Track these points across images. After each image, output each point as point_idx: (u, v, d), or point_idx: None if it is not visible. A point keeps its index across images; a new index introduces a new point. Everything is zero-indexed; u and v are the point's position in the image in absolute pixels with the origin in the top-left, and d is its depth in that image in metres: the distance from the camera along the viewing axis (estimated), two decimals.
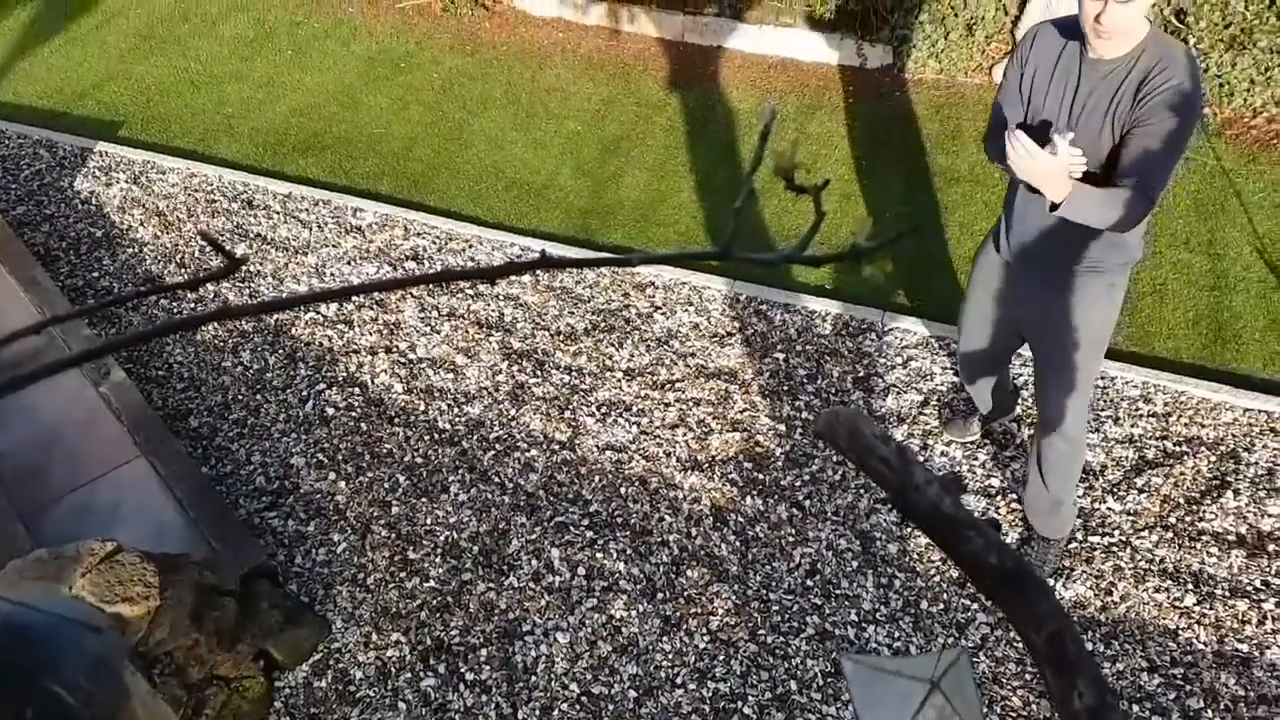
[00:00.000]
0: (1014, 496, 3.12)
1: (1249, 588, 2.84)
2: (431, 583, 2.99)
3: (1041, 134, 2.21)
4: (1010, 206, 2.49)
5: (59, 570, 2.22)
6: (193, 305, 3.94)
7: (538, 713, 2.68)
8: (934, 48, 4.94)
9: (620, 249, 4.22)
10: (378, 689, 2.76)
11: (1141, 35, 2.10)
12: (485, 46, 5.64)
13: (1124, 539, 2.98)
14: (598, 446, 3.34)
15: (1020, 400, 3.33)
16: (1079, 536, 2.99)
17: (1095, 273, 2.39)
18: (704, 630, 2.84)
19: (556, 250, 4.16)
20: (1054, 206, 2.14)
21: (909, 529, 3.06)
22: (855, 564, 2.97)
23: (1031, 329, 2.63)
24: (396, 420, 3.46)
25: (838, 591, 2.91)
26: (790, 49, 5.32)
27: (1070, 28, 2.20)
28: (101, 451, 3.13)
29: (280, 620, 2.73)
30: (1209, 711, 2.60)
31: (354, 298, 3.95)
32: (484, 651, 2.82)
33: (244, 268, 4.05)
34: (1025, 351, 2.93)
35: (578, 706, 2.69)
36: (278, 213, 4.41)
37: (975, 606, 2.87)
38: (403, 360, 3.68)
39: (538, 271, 4.04)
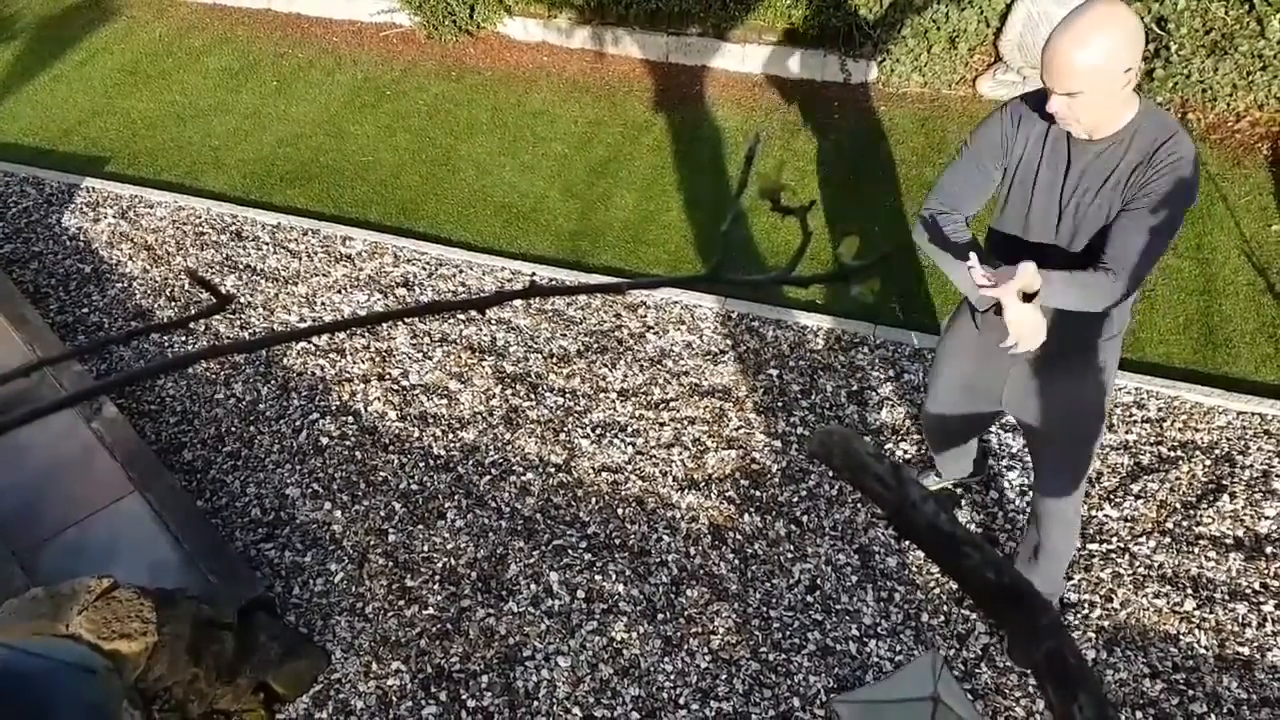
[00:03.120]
0: (1012, 509, 3.12)
1: (1248, 591, 2.84)
2: (430, 610, 2.97)
3: (1024, 224, 2.12)
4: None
5: (55, 609, 2.21)
6: (184, 340, 3.93)
7: None
8: (917, 61, 4.98)
9: (610, 270, 4.23)
10: (379, 719, 2.74)
11: (1123, 117, 1.94)
12: (470, 72, 5.67)
13: (1122, 545, 2.98)
14: (594, 468, 3.34)
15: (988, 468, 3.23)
16: (1077, 544, 2.99)
17: (1084, 350, 2.24)
18: (705, 649, 2.83)
19: (547, 273, 4.17)
20: (1029, 297, 1.97)
21: (907, 542, 3.05)
22: (855, 579, 2.97)
23: (1019, 410, 2.44)
24: (391, 448, 3.46)
25: (838, 607, 2.90)
26: (774, 66, 5.35)
27: None
28: (95, 488, 3.11)
29: (279, 652, 2.71)
30: (1212, 716, 2.59)
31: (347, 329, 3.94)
32: (485, 678, 2.80)
33: (235, 300, 4.06)
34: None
35: None
36: (267, 243, 4.41)
37: (975, 617, 2.86)
38: (396, 387, 3.67)
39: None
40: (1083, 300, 1.97)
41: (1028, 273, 1.88)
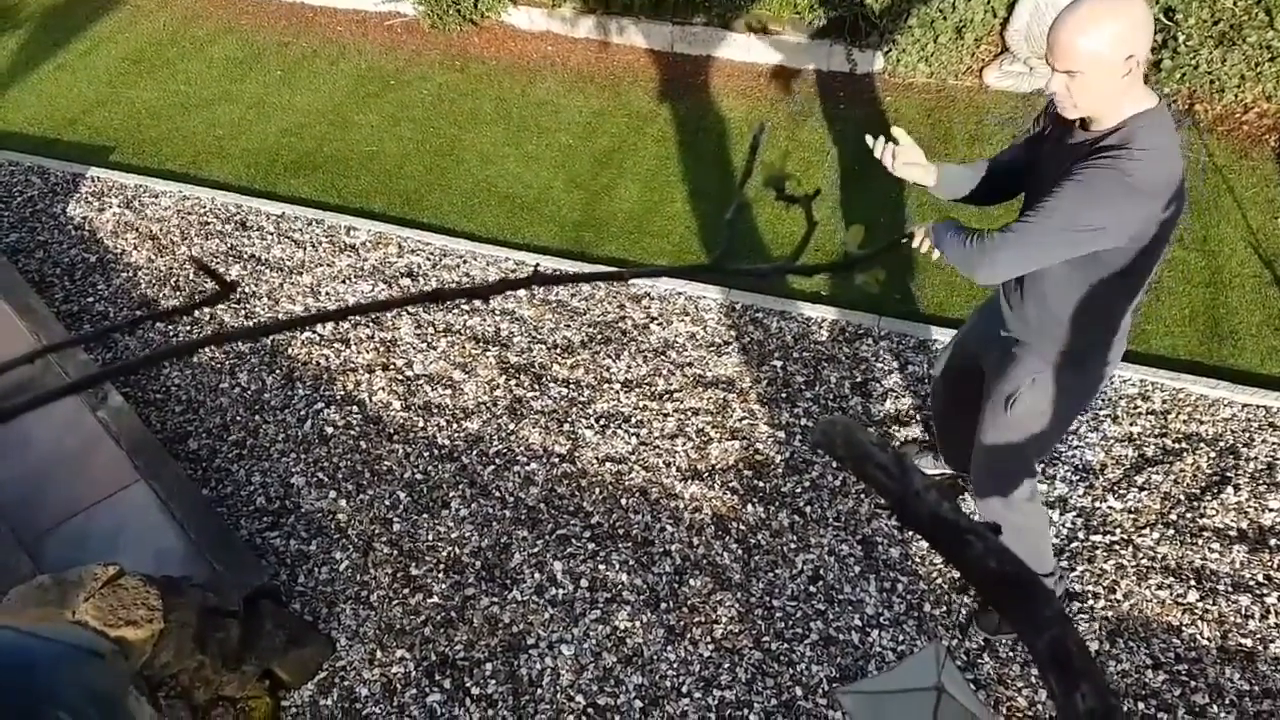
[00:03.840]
0: None
1: (1251, 583, 2.84)
2: (435, 598, 2.98)
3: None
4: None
5: (62, 596, 2.22)
6: (188, 329, 3.94)
7: None
8: (923, 51, 4.96)
9: (615, 261, 4.23)
10: (384, 706, 2.75)
11: (1122, 109, 1.90)
12: (474, 62, 5.66)
13: (1125, 537, 2.98)
14: (597, 458, 3.34)
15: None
16: (1080, 535, 2.99)
17: (1025, 348, 2.28)
18: (708, 639, 2.84)
19: (551, 263, 4.17)
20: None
21: (909, 532, 3.06)
22: (858, 569, 2.97)
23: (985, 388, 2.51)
24: (395, 437, 3.46)
25: (841, 597, 2.91)
26: (780, 56, 5.34)
27: None
28: (101, 476, 3.13)
29: (284, 640, 2.72)
30: (1214, 707, 2.60)
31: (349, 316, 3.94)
32: (489, 666, 2.81)
33: (239, 289, 4.06)
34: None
35: (584, 718, 2.69)
36: (271, 233, 4.41)
37: (977, 608, 2.86)
38: (400, 377, 3.68)
39: (532, 286, 4.05)
40: (953, 242, 2.10)
41: (912, 167, 2.19)
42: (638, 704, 2.71)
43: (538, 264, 4.14)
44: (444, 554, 3.10)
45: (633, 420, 3.45)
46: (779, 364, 3.61)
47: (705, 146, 4.86)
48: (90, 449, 3.21)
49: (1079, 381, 2.28)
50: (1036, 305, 2.18)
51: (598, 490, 3.25)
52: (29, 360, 0.66)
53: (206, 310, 3.99)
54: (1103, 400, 3.36)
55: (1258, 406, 3.29)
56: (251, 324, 3.89)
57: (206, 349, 3.80)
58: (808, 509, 3.13)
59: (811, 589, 2.93)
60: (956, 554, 0.80)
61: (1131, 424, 3.29)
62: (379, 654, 2.86)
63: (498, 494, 3.25)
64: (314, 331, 3.88)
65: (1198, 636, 2.75)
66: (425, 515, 3.21)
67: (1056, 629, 0.75)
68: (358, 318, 3.93)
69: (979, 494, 2.60)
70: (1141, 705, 2.62)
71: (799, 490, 3.19)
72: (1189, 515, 3.01)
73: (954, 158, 4.57)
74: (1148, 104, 1.91)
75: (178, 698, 2.40)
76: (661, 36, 5.53)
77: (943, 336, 3.62)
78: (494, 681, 2.78)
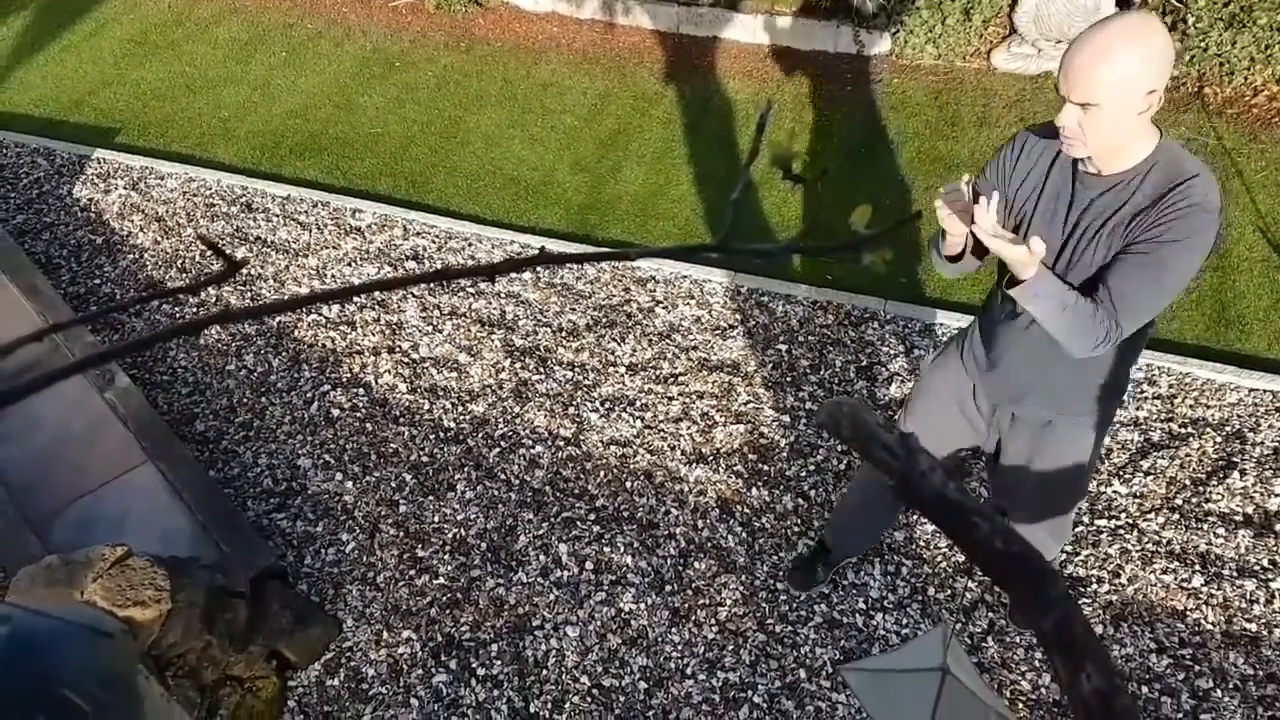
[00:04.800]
0: None
1: (1256, 567, 2.84)
2: (441, 580, 3.00)
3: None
4: (984, 328, 2.17)
5: (70, 576, 2.23)
6: (195, 310, 3.94)
7: (549, 706, 2.69)
8: (931, 33, 4.93)
9: (620, 243, 4.22)
10: (390, 686, 2.77)
11: (1142, 151, 1.77)
12: (480, 43, 5.63)
13: (1130, 521, 2.98)
14: (602, 441, 3.35)
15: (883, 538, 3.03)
16: (1085, 520, 2.99)
17: (1079, 415, 2.11)
18: (712, 621, 2.85)
19: (556, 246, 4.16)
20: (1013, 284, 1.82)
21: (914, 516, 3.06)
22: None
23: (998, 468, 2.34)
24: (401, 420, 3.47)
25: (845, 580, 2.91)
26: (786, 38, 5.30)
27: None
28: (109, 458, 3.14)
29: (291, 620, 2.74)
30: (1218, 691, 2.60)
31: (355, 299, 3.95)
32: (495, 646, 2.83)
33: (245, 271, 4.06)
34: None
35: (589, 699, 2.70)
36: (277, 215, 4.41)
37: (980, 588, 2.87)
38: (406, 360, 3.68)
39: (538, 268, 4.03)
40: (1064, 323, 1.80)
41: (1037, 253, 1.72)
42: (642, 685, 2.72)
43: (543, 245, 4.13)
44: (450, 536, 3.11)
45: (638, 404, 3.46)
46: (784, 347, 3.61)
47: (711, 129, 4.84)
48: (97, 430, 3.23)
49: (1115, 412, 2.19)
50: (1074, 367, 1.97)
51: (603, 473, 3.25)
52: (37, 338, 0.66)
53: (213, 292, 4.00)
54: None
55: (1265, 391, 3.28)
56: (258, 304, 3.90)
57: (213, 330, 3.81)
58: (812, 493, 3.14)
59: None
60: (962, 535, 0.80)
61: (1137, 408, 3.28)
62: (385, 635, 2.88)
63: (503, 476, 3.26)
64: (320, 314, 3.89)
65: (1202, 621, 2.75)
66: (431, 497, 3.22)
67: (1062, 610, 0.75)
68: (363, 300, 3.93)
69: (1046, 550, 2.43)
70: (1145, 689, 2.63)
71: (803, 474, 3.20)
72: (1194, 500, 3.01)
73: (961, 151, 4.54)
74: (1157, 136, 1.79)
75: (185, 677, 2.42)
76: (667, 18, 5.50)
77: (949, 321, 3.61)
78: (499, 662, 2.80)
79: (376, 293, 3.94)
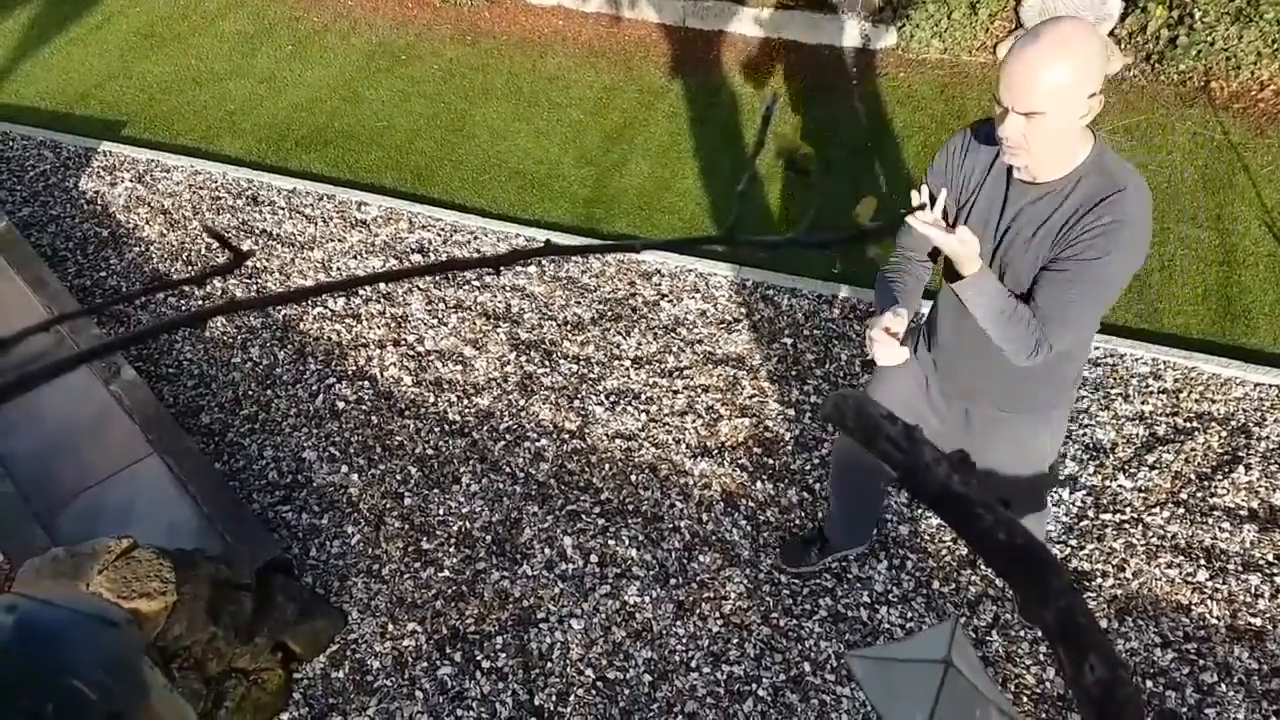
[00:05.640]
0: None
1: (1261, 562, 2.84)
2: (446, 572, 3.00)
3: None
4: (935, 323, 2.21)
5: (76, 568, 2.24)
6: (201, 302, 3.95)
7: (554, 698, 2.70)
8: (937, 27, 4.91)
9: (625, 237, 4.22)
10: (395, 678, 2.78)
11: (1076, 158, 1.77)
12: (485, 36, 5.63)
13: (1135, 516, 2.97)
14: (607, 435, 3.35)
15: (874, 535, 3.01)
16: (1090, 514, 2.99)
17: (1028, 412, 2.12)
18: (717, 614, 2.85)
19: (561, 240, 4.16)
20: (956, 278, 1.87)
21: (919, 510, 3.06)
22: (866, 546, 2.97)
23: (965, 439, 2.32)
24: (407, 413, 3.48)
25: (849, 574, 2.91)
26: (793, 32, 5.29)
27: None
28: (114, 450, 3.15)
29: (296, 613, 2.75)
30: (1223, 685, 2.60)
31: (361, 291, 3.96)
32: (500, 639, 2.84)
33: (251, 264, 4.07)
34: None
35: (594, 691, 2.71)
36: (283, 208, 4.42)
37: (985, 582, 2.87)
38: (411, 353, 3.69)
39: (543, 262, 4.03)
40: (1001, 328, 1.84)
41: (966, 242, 1.77)
42: (647, 678, 2.73)
43: (548, 238, 4.13)
44: (455, 529, 3.12)
45: (643, 397, 3.46)
46: (789, 341, 3.61)
47: (717, 123, 4.83)
48: (103, 423, 3.24)
49: (1068, 410, 2.21)
50: (1016, 368, 1.98)
51: (608, 466, 3.26)
52: (43, 329, 0.66)
53: (218, 285, 4.01)
54: (1114, 379, 3.35)
55: (1270, 385, 3.27)
56: (263, 295, 3.91)
57: (219, 323, 3.82)
58: (817, 486, 3.14)
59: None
60: (966, 527, 0.80)
61: (1143, 402, 3.28)
62: (390, 627, 2.89)
63: (508, 469, 3.27)
64: (325, 307, 3.89)
65: (1207, 615, 2.75)
66: (436, 490, 3.23)
67: (1065, 600, 0.75)
68: (369, 294, 3.93)
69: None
70: (1150, 683, 2.63)
71: (808, 467, 3.20)
72: (1199, 494, 3.01)
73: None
74: (1092, 140, 1.79)
75: (191, 669, 2.43)
76: (673, 11, 5.49)
77: None
78: (504, 655, 2.80)
79: (382, 286, 3.95)
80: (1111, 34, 4.74)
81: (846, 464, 2.61)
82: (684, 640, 2.80)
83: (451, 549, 3.06)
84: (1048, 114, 1.67)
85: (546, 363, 3.60)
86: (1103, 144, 1.80)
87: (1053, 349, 1.84)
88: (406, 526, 3.13)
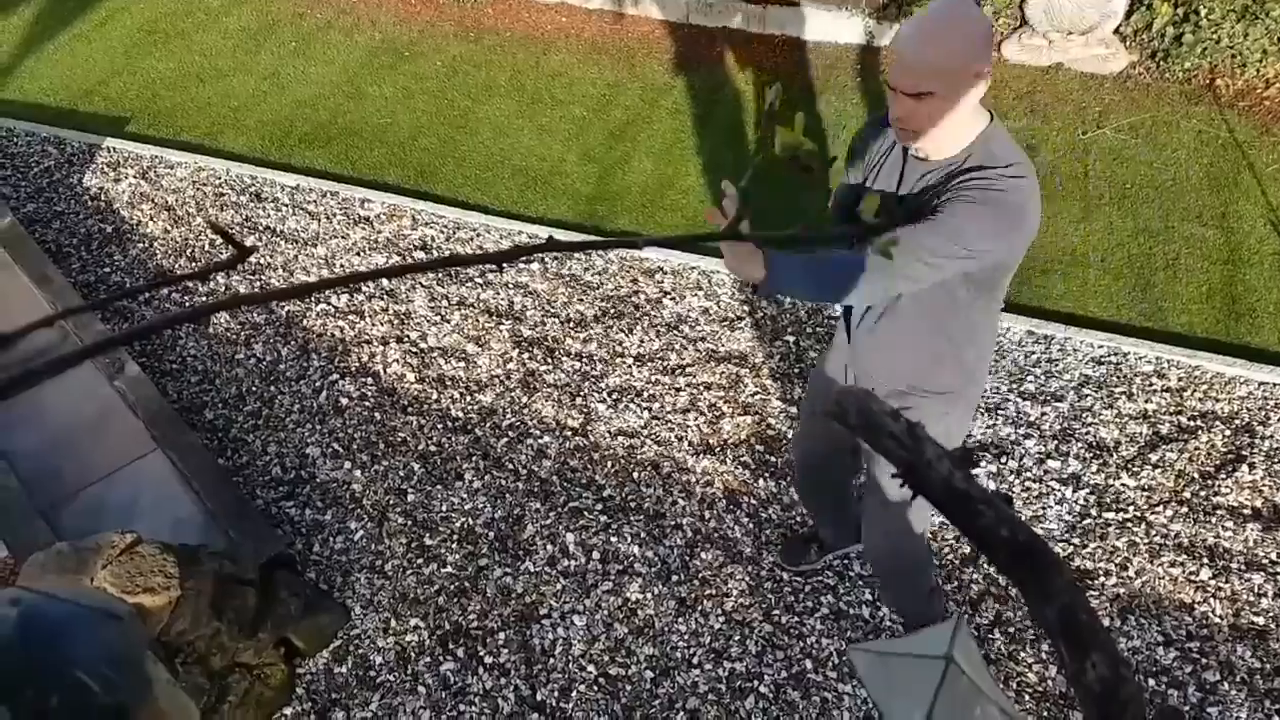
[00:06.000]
0: (1029, 476, 3.12)
1: (1264, 561, 2.84)
2: (449, 568, 3.01)
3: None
4: (849, 309, 2.17)
5: (80, 563, 2.25)
6: (204, 298, 3.95)
7: (556, 694, 2.71)
8: None
9: (628, 235, 4.21)
10: (397, 673, 2.78)
11: (969, 136, 1.78)
12: (489, 33, 5.63)
13: (1139, 514, 2.97)
14: (610, 432, 3.35)
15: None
16: (1093, 512, 2.99)
17: (934, 395, 2.09)
18: (719, 611, 2.85)
19: (564, 237, 4.16)
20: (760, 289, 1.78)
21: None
22: None
23: (861, 451, 2.35)
24: (410, 409, 3.48)
25: (851, 572, 2.92)
26: (797, 28, 5.28)
27: None
28: (118, 445, 3.16)
29: (300, 608, 2.75)
30: (1225, 684, 2.60)
31: (364, 288, 3.96)
32: (502, 635, 2.84)
33: (254, 260, 4.08)
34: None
35: (596, 687, 2.71)
36: (286, 205, 4.42)
37: (986, 580, 2.87)
38: (414, 350, 3.69)
39: (546, 259, 4.03)
40: (815, 280, 1.79)
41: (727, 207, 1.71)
42: (649, 674, 2.73)
43: (550, 234, 4.14)
44: (457, 525, 3.12)
45: (645, 394, 3.46)
46: (792, 339, 3.61)
47: (720, 120, 4.83)
48: (108, 418, 3.24)
49: (974, 397, 2.16)
50: (916, 349, 2.01)
51: (610, 464, 3.26)
52: (50, 323, 0.66)
53: (221, 281, 4.01)
54: (1118, 377, 3.35)
55: (1275, 385, 3.27)
56: (266, 290, 3.91)
57: (222, 319, 3.82)
58: None
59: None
60: (968, 523, 0.80)
61: (1146, 401, 3.27)
62: (393, 623, 2.89)
63: (511, 466, 3.27)
64: (328, 304, 3.90)
65: (1209, 614, 2.75)
66: (439, 486, 3.23)
67: (1067, 598, 0.75)
68: (372, 290, 3.94)
69: (895, 592, 2.47)
70: (1152, 682, 2.63)
71: None
72: (1203, 493, 3.00)
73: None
74: (985, 119, 1.80)
75: (195, 664, 2.44)
76: (677, 7, 5.48)
77: None
78: (507, 651, 2.81)
79: (385, 283, 3.95)
80: (1117, 31, 4.73)
81: (807, 465, 2.63)
82: (686, 637, 2.80)
83: (454, 545, 3.07)
84: (936, 93, 1.68)
85: (549, 360, 3.61)
86: (998, 125, 1.81)
87: (895, 271, 1.76)
88: (409, 523, 3.14)
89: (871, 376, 2.15)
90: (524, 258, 0.71)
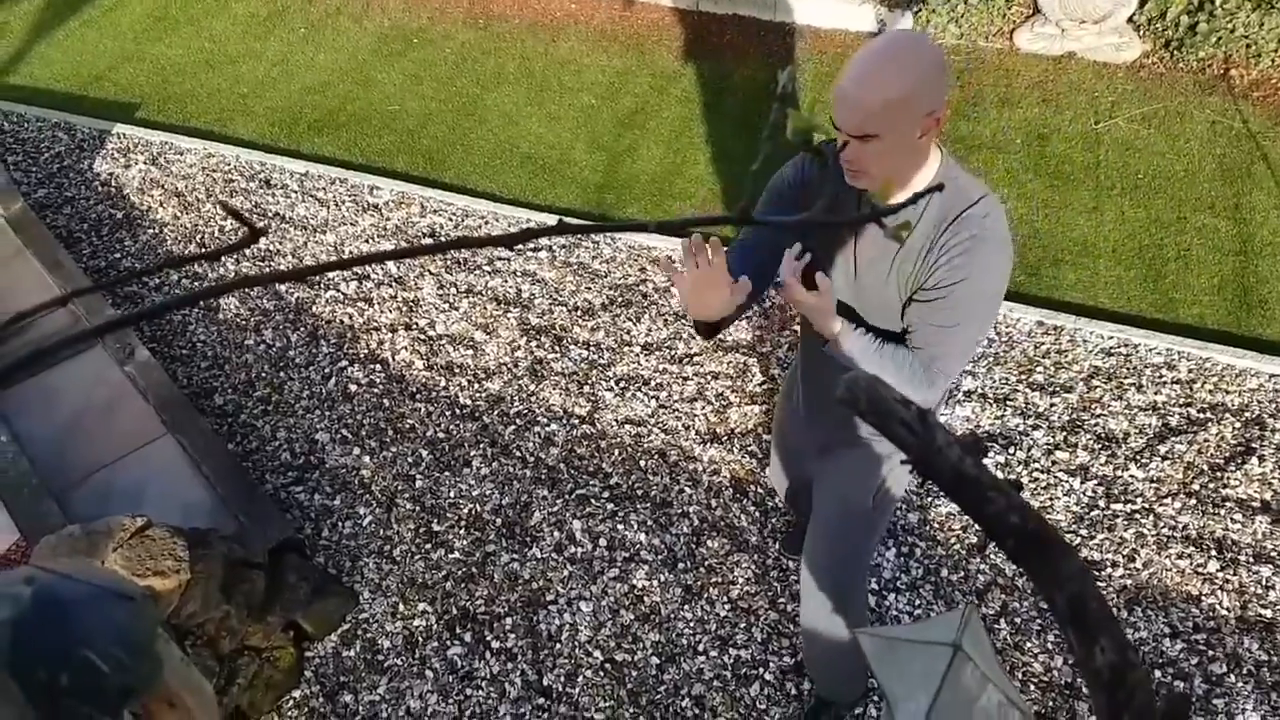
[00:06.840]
0: (1036, 467, 3.11)
1: (1273, 553, 2.83)
2: (456, 554, 3.02)
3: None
4: (802, 356, 2.13)
5: (91, 546, 2.26)
6: (215, 282, 3.96)
7: (562, 679, 2.72)
8: (954, 12, 4.87)
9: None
10: (405, 658, 2.80)
11: (924, 177, 1.65)
12: (497, 20, 5.61)
13: (1147, 506, 2.97)
14: (617, 420, 3.35)
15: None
16: (1101, 504, 2.98)
17: (876, 439, 2.00)
18: (725, 599, 2.86)
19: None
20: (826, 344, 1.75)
21: (929, 498, 3.06)
22: None
23: (814, 488, 2.26)
24: (418, 396, 3.49)
25: None
26: (807, 16, 5.26)
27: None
28: (129, 430, 3.17)
29: (308, 592, 2.77)
30: (1231, 676, 2.60)
31: (373, 275, 3.96)
32: (509, 620, 2.85)
33: (263, 246, 4.08)
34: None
35: (601, 673, 2.72)
36: (295, 191, 4.43)
37: (993, 571, 2.87)
38: (423, 337, 3.70)
39: (554, 247, 4.01)
40: (891, 374, 1.70)
41: (823, 287, 1.64)
42: (654, 660, 2.74)
43: (560, 219, 4.13)
44: (465, 511, 3.13)
45: (652, 383, 3.46)
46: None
47: (730, 107, 4.81)
48: (118, 403, 3.26)
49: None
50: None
51: (617, 452, 3.26)
52: (63, 303, 0.67)
53: (230, 266, 4.02)
54: (1127, 369, 3.33)
55: None
56: (273, 271, 3.92)
57: (232, 305, 3.83)
58: None
59: None
60: (978, 510, 0.80)
61: (1156, 393, 3.26)
62: (401, 607, 2.91)
63: (518, 453, 3.28)
64: (338, 290, 3.90)
65: (1217, 606, 2.74)
66: (447, 473, 3.24)
67: (1077, 584, 0.75)
68: (380, 277, 3.94)
69: (812, 602, 2.26)
70: (1159, 673, 2.63)
71: None
72: (1212, 485, 3.00)
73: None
74: (939, 159, 1.66)
75: (204, 647, 2.45)
76: None
77: None
78: (514, 636, 2.82)
79: (394, 270, 3.96)
80: (1130, 20, 4.70)
81: (790, 493, 2.63)
82: (691, 624, 2.81)
83: (462, 531, 3.08)
84: (881, 136, 1.53)
85: (557, 348, 3.61)
86: (950, 160, 1.68)
87: (948, 379, 1.72)
88: (417, 508, 3.15)
89: (829, 422, 2.08)
90: (533, 241, 0.71)
